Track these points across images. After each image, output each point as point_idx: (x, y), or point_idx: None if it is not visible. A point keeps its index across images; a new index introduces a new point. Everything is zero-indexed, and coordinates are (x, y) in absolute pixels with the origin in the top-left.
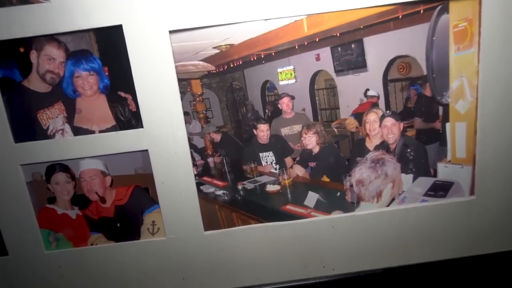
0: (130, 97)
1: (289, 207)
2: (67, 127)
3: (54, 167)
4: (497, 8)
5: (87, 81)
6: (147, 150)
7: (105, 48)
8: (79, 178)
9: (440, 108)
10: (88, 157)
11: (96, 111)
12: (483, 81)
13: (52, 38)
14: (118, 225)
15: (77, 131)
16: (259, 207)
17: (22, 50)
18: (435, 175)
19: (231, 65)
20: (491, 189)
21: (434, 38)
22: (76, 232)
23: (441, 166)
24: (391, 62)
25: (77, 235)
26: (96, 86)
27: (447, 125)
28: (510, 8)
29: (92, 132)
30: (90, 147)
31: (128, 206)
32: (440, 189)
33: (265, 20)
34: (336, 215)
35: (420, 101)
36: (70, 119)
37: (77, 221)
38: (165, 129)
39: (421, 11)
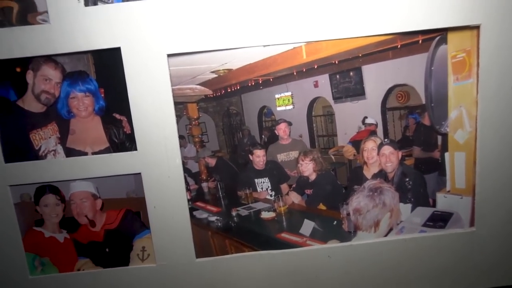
0: (125, 119)
1: (284, 235)
2: (59, 148)
3: (44, 189)
4: (495, 40)
5: (83, 102)
6: (140, 174)
7: (102, 69)
8: (69, 200)
9: (439, 138)
10: (80, 179)
11: (90, 132)
12: (482, 111)
13: (50, 58)
14: (107, 250)
15: (70, 152)
16: (253, 235)
17: (18, 70)
18: (434, 205)
19: (229, 90)
20: (491, 221)
21: (432, 68)
22: (63, 256)
23: (440, 196)
24: (389, 91)
25: (64, 260)
26: (91, 107)
27: (446, 154)
28: (508, 39)
29: (85, 153)
30: (82, 169)
31: (119, 230)
32: (439, 220)
33: (264, 46)
34: (333, 244)
35: (419, 130)
36: (63, 140)
37: (65, 245)
38: (159, 152)
39: (420, 41)
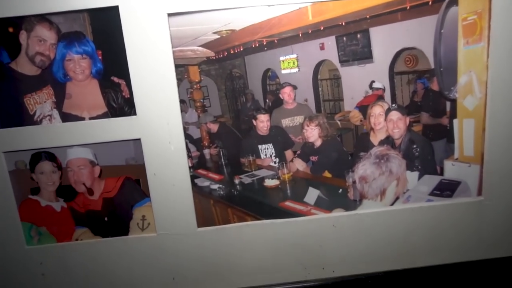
0: (124, 83)
1: (288, 203)
2: (55, 113)
3: (40, 155)
4: (508, 2)
5: (79, 65)
6: (139, 139)
7: (100, 30)
8: (65, 167)
9: (448, 104)
10: (77, 145)
11: (87, 96)
12: (493, 77)
13: (44, 18)
14: (106, 219)
15: (66, 117)
16: (257, 203)
17: (11, 30)
18: (441, 173)
19: (232, 52)
20: (500, 191)
21: (442, 31)
22: (60, 226)
23: (448, 164)
24: (397, 54)
25: (61, 230)
26: (88, 70)
27: (455, 121)
28: None
29: (82, 119)
30: (79, 134)
31: (117, 198)
32: (447, 189)
33: (269, 5)
34: (338, 213)
35: (427, 95)
36: (59, 104)
37: (62, 214)
38: (159, 117)
39: (430, 3)
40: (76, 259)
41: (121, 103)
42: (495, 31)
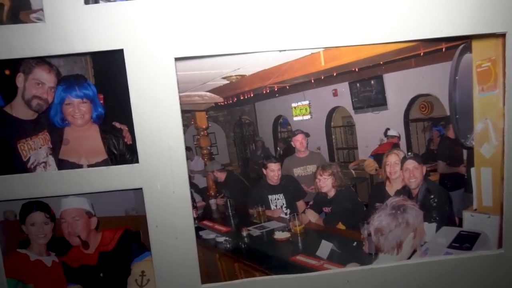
0: (126, 128)
1: (300, 257)
2: (50, 160)
3: (32, 205)
4: None
5: (79, 109)
6: (141, 189)
7: (102, 74)
8: (59, 218)
9: (465, 152)
10: (73, 194)
11: (86, 142)
12: (509, 124)
13: (43, 60)
14: (101, 275)
15: (62, 164)
16: (266, 257)
17: (7, 72)
18: (460, 225)
19: (241, 98)
20: None
21: (457, 78)
22: (50, 283)
23: (466, 215)
24: (412, 101)
25: (51, 287)
26: (88, 115)
27: (472, 170)
28: None
29: (80, 166)
30: (76, 183)
31: (115, 253)
32: (466, 241)
33: (280, 51)
34: (352, 267)
35: (444, 143)
36: (55, 150)
37: (53, 270)
38: (163, 165)
39: (443, 49)
40: None
41: (122, 150)
42: (510, 78)
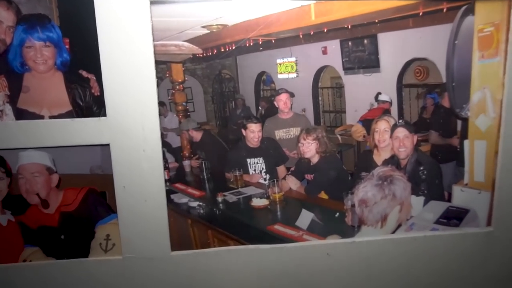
0: (94, 78)
1: (278, 227)
2: (7, 108)
3: None
4: None
5: (41, 54)
6: (108, 145)
7: (69, 15)
8: (16, 174)
9: (459, 123)
10: (32, 148)
11: (48, 91)
12: (509, 95)
13: None
14: (62, 237)
15: (21, 114)
16: (241, 225)
17: None
18: (449, 200)
19: (222, 50)
20: (511, 222)
21: (456, 42)
22: (6, 244)
23: (456, 190)
24: (407, 64)
25: (6, 248)
26: (51, 60)
27: (465, 142)
28: None
29: (41, 117)
30: (36, 135)
31: (78, 213)
32: (454, 217)
33: None
34: (333, 240)
35: (437, 112)
36: (13, 98)
37: (8, 230)
38: (133, 120)
39: (444, 10)
40: (22, 284)
41: (89, 102)
42: None
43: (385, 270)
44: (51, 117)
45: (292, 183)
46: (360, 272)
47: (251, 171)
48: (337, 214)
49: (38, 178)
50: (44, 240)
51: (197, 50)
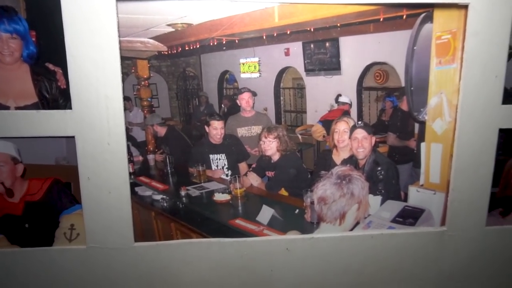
0: (60, 71)
1: (239, 221)
2: None
3: None
4: (483, 22)
5: (7, 45)
6: (73, 137)
7: (36, 8)
8: None
9: (416, 126)
10: None
11: (14, 83)
12: (464, 101)
13: None
14: (27, 225)
15: None
16: (204, 219)
17: None
18: (405, 199)
19: (186, 48)
20: (464, 222)
21: (415, 48)
22: None
23: (412, 190)
24: (367, 68)
25: None
26: (18, 52)
27: (422, 145)
28: (497, 23)
29: (7, 108)
30: (2, 125)
31: (42, 203)
32: (410, 216)
33: (231, 0)
34: (292, 235)
35: (396, 115)
36: None
37: None
38: (99, 114)
39: (404, 16)
40: None
41: (55, 94)
42: (468, 53)
43: (342, 266)
44: (17, 108)
45: (253, 180)
46: (318, 267)
47: (213, 167)
48: (297, 210)
49: (3, 167)
50: (8, 228)
51: (162, 47)
